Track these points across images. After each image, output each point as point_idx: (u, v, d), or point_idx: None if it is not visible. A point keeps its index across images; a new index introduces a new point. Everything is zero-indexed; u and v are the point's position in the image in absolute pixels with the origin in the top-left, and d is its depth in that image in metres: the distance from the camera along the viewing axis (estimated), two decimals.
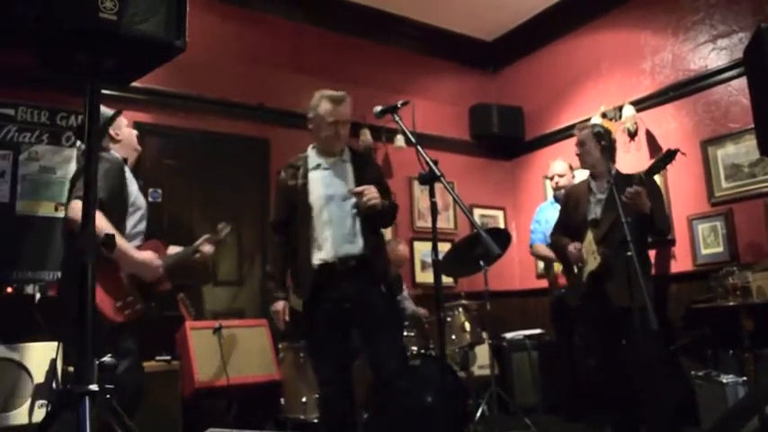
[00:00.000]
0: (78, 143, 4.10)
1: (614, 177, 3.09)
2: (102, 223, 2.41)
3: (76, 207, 2.43)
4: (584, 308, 3.34)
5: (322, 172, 2.91)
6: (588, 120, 5.13)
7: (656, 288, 3.59)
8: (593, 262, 3.18)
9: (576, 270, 3.34)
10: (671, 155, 2.86)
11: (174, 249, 2.94)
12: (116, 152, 2.74)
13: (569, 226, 3.46)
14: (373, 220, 2.82)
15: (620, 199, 2.79)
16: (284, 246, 2.94)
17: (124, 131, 2.82)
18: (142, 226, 2.76)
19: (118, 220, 2.56)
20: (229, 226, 3.11)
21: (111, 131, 2.75)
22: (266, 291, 4.69)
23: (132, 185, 2.73)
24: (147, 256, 2.65)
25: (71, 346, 2.59)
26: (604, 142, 3.28)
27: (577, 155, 3.44)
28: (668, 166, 3.01)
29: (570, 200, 3.53)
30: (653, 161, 2.97)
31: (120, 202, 2.60)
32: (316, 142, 2.99)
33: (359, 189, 2.76)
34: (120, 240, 2.46)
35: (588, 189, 3.40)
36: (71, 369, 2.91)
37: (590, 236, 3.23)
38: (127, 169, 2.73)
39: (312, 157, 2.96)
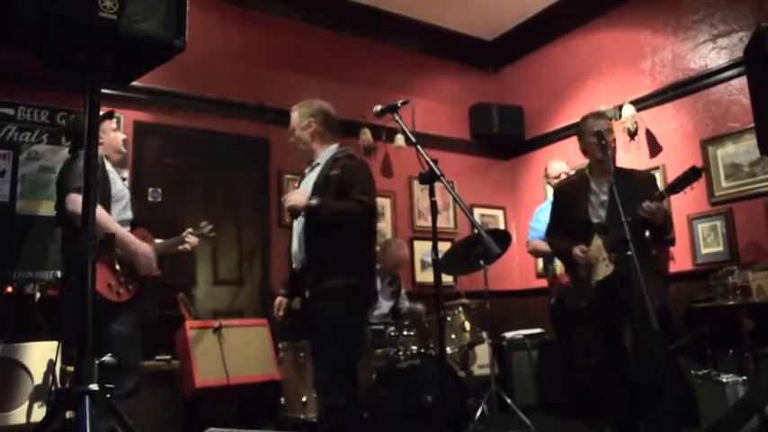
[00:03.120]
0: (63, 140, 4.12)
1: (616, 174, 2.97)
2: (98, 211, 2.53)
3: (79, 200, 2.51)
4: (592, 311, 3.17)
5: (304, 179, 3.06)
6: None
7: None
8: (604, 269, 2.99)
9: (583, 274, 3.13)
10: (697, 173, 2.71)
11: (159, 240, 3.14)
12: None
13: (567, 226, 3.25)
14: (324, 225, 2.80)
15: (618, 197, 2.72)
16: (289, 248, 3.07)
17: (108, 136, 2.99)
18: (128, 214, 2.93)
19: (105, 209, 2.73)
20: (210, 225, 3.34)
21: None
22: (266, 290, 4.75)
23: (113, 176, 2.91)
24: (147, 248, 2.86)
25: (72, 345, 2.65)
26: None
27: (605, 143, 3.02)
28: (667, 166, 2.99)
29: (565, 197, 3.32)
30: (675, 178, 2.79)
31: (103, 193, 2.75)
32: None
33: (285, 195, 2.90)
34: (122, 231, 2.75)
35: (587, 187, 3.18)
36: (69, 369, 2.92)
37: (598, 242, 3.04)
38: (107, 162, 2.91)
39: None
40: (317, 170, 2.95)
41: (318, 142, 3.03)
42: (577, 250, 3.09)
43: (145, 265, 2.84)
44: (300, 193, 2.82)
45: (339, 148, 3.02)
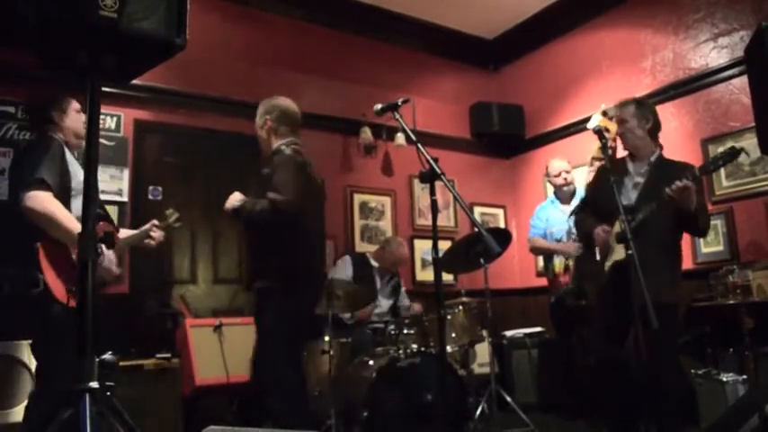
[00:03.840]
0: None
1: (657, 161, 2.95)
2: (60, 210, 2.37)
3: (38, 197, 2.37)
4: (600, 297, 3.12)
5: None
6: (588, 119, 5.12)
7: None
8: (621, 252, 2.82)
9: (598, 257, 3.05)
10: (735, 153, 2.69)
11: (125, 233, 2.92)
12: (55, 135, 2.63)
13: (598, 206, 3.13)
14: (250, 227, 2.88)
15: (618, 190, 2.69)
16: None
17: (69, 118, 2.70)
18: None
19: (62, 204, 2.45)
20: (177, 213, 3.00)
21: (55, 116, 2.67)
22: None
23: (74, 167, 2.59)
24: (108, 258, 2.60)
25: (34, 343, 2.56)
26: (650, 119, 3.06)
27: (605, 142, 2.99)
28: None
29: (604, 178, 3.13)
30: (712, 157, 2.75)
31: (62, 185, 2.48)
32: None
33: None
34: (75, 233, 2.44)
35: (624, 169, 3.11)
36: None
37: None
38: (67, 151, 2.60)
39: None
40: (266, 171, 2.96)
41: (274, 139, 3.03)
42: (599, 229, 3.04)
43: (102, 272, 2.54)
44: (234, 197, 2.86)
45: (281, 144, 2.98)
